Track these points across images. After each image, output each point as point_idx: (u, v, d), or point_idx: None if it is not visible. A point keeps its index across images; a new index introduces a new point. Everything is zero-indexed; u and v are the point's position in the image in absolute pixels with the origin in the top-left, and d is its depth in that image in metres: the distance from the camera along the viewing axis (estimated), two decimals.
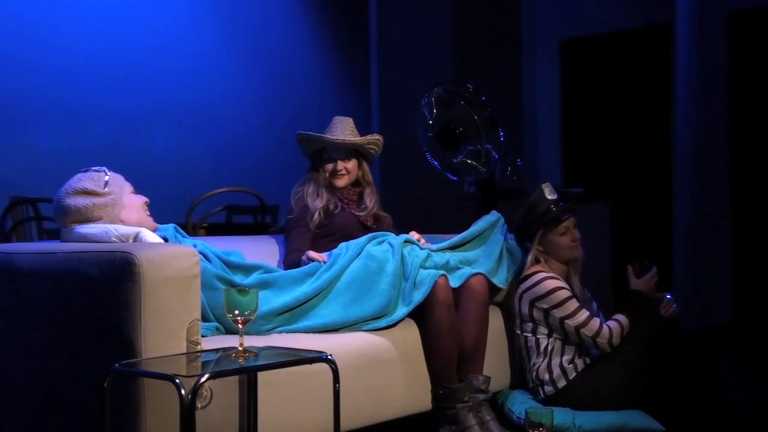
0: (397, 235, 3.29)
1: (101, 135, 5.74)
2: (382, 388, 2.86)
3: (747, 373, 4.44)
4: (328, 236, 3.36)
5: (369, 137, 3.52)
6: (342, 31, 7.25)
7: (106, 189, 2.74)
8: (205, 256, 2.89)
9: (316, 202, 3.39)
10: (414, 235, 3.32)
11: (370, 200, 3.52)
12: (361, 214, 3.46)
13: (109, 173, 2.78)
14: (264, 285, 2.93)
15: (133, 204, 2.80)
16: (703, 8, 6.05)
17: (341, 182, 3.48)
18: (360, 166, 3.53)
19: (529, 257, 3.30)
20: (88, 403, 2.20)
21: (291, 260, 3.27)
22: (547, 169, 7.05)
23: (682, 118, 6.09)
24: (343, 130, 3.46)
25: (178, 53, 6.24)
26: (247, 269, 3.02)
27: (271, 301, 2.87)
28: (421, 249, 3.21)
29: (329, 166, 3.47)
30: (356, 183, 3.54)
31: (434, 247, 3.30)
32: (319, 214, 3.37)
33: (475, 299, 3.11)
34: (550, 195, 3.30)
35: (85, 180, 2.74)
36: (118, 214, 2.74)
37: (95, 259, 2.28)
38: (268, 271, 3.05)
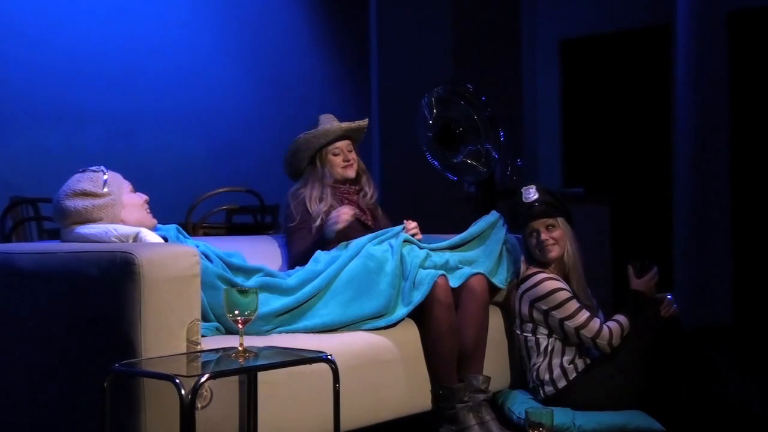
0: (392, 225, 3.28)
1: (101, 135, 5.74)
2: (382, 388, 2.86)
3: (747, 373, 4.43)
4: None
5: (365, 120, 3.54)
6: (342, 32, 7.25)
7: (105, 189, 2.72)
8: (207, 257, 2.89)
9: (320, 205, 3.37)
10: (408, 224, 3.31)
11: (369, 187, 3.53)
12: (368, 204, 3.46)
13: (107, 173, 2.76)
14: (265, 287, 2.92)
15: (132, 203, 2.79)
16: (703, 8, 6.04)
17: (352, 172, 3.48)
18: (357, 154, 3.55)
19: (522, 258, 3.32)
20: (88, 403, 2.20)
21: (299, 262, 3.26)
22: (547, 169, 7.04)
23: (682, 118, 6.08)
24: (334, 121, 3.47)
25: (178, 53, 6.24)
26: (248, 271, 3.00)
27: (271, 303, 2.86)
28: (420, 249, 3.21)
29: (338, 160, 3.45)
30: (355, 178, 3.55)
31: (433, 246, 3.29)
32: (322, 219, 3.34)
33: (474, 299, 3.11)
34: (524, 198, 3.29)
35: (83, 181, 2.72)
36: (118, 214, 2.73)
37: (95, 259, 2.28)
38: (269, 274, 3.04)
